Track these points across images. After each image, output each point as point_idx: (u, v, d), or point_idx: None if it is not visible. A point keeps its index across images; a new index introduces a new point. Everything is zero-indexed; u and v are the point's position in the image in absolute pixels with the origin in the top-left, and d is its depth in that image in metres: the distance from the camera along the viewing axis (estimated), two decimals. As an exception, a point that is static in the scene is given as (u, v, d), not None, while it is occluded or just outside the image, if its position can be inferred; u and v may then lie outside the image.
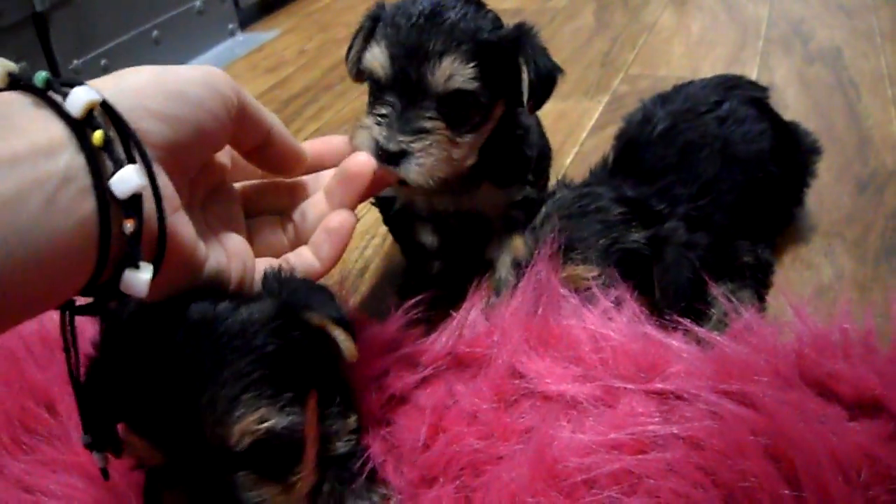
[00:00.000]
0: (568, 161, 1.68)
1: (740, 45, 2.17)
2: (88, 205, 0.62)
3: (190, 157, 0.74)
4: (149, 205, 0.65)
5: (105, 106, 0.64)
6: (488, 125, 1.08)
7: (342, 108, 2.10)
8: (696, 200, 1.17)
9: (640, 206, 1.14)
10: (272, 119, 0.86)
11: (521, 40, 1.04)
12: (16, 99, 0.63)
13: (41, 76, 0.63)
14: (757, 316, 1.00)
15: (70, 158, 0.61)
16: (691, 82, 1.41)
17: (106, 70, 2.23)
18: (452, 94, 1.00)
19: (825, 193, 1.46)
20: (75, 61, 2.20)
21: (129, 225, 0.64)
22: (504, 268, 1.26)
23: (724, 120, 1.27)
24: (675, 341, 0.98)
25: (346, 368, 0.92)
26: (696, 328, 0.99)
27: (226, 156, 0.89)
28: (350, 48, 1.10)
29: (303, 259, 0.90)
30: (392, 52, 1.00)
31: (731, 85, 1.36)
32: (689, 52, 2.17)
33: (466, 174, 1.08)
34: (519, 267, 1.15)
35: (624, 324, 1.02)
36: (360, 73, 1.09)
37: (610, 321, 1.03)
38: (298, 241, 0.93)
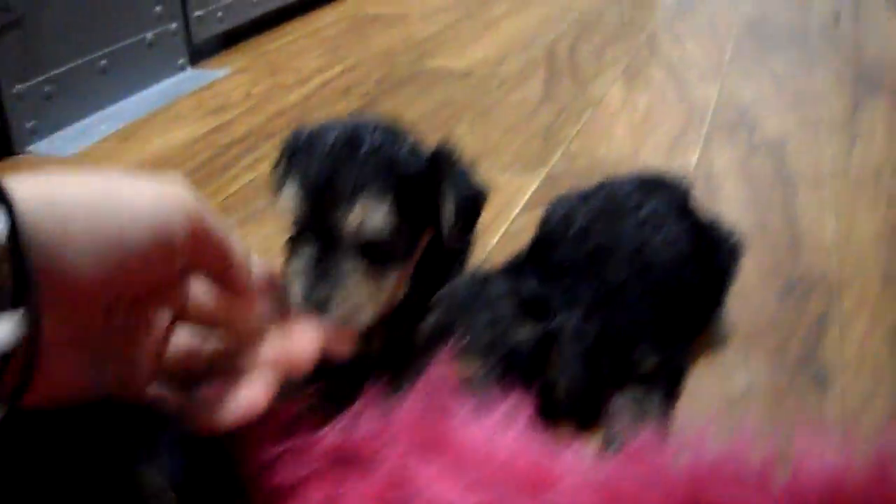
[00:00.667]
0: (495, 240, 1.63)
1: (683, 129, 2.14)
2: None
3: (83, 293, 0.62)
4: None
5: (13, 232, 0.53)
6: (415, 256, 1.02)
7: (279, 161, 2.03)
8: (599, 304, 1.13)
9: (535, 303, 1.09)
10: (235, 252, 0.76)
11: (440, 168, 1.00)
12: None
13: None
14: (653, 435, 0.94)
15: None
16: (614, 180, 1.37)
17: (49, 97, 2.23)
18: (371, 238, 0.94)
19: (750, 295, 1.42)
20: (18, 86, 2.12)
21: None
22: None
23: (643, 223, 1.23)
24: (567, 456, 0.92)
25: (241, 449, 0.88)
26: (587, 447, 0.93)
27: None
28: (276, 166, 1.05)
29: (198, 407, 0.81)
30: (304, 192, 0.94)
31: (653, 185, 1.33)
32: (631, 132, 2.13)
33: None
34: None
35: (519, 432, 0.97)
36: None
37: (505, 429, 0.98)
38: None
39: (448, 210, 0.99)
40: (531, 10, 3.28)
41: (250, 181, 1.92)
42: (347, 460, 0.98)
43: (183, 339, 0.83)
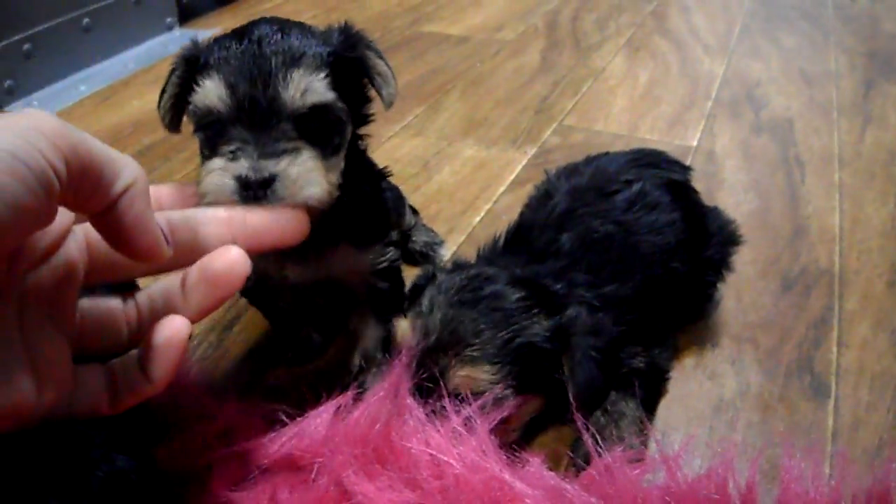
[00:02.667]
0: (477, 219, 1.52)
1: (687, 105, 2.03)
2: None
3: None
4: None
5: None
6: (344, 150, 0.94)
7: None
8: (598, 288, 1.04)
9: (538, 289, 1.00)
10: (124, 179, 0.62)
11: (359, 40, 0.95)
12: None
13: None
14: (620, 456, 0.84)
15: None
16: (606, 154, 1.26)
17: (28, 56, 2.11)
18: (311, 111, 0.87)
19: (746, 289, 1.31)
20: (-6, 44, 2.02)
21: None
22: (372, 342, 1.14)
23: (632, 204, 1.12)
24: (520, 481, 0.82)
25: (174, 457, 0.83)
26: (545, 472, 0.83)
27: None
28: (162, 94, 0.95)
29: (130, 376, 0.70)
30: (230, 80, 0.86)
31: (647, 163, 1.21)
32: (631, 107, 2.02)
33: (318, 230, 0.88)
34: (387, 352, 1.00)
35: (471, 450, 0.87)
36: (176, 121, 0.95)
37: (456, 446, 0.88)
38: (140, 331, 0.73)
39: (380, 72, 0.95)
40: (536, -24, 3.14)
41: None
42: (290, 468, 0.90)
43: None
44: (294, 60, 0.87)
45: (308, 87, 0.86)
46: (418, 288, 1.04)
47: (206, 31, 2.57)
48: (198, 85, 0.88)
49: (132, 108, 2.05)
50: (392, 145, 1.83)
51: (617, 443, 0.94)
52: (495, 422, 0.88)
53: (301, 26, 0.93)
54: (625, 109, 2.00)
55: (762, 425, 1.07)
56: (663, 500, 0.79)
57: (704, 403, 1.10)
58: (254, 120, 0.85)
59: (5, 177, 0.51)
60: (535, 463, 0.84)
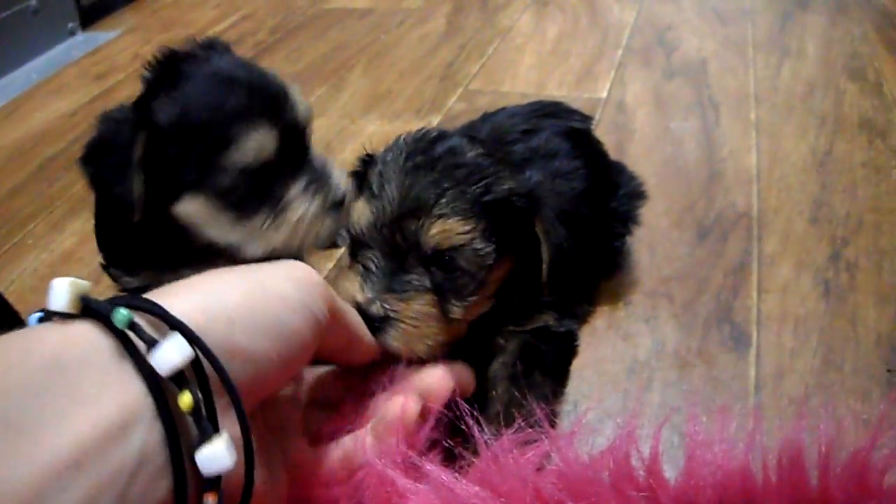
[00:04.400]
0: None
1: (596, 56, 1.95)
2: (164, 486, 0.50)
3: (269, 391, 0.64)
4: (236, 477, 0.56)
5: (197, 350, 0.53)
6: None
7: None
8: None
9: (497, 148, 0.94)
10: (356, 324, 0.77)
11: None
12: (94, 347, 0.50)
13: (121, 314, 0.51)
14: (510, 441, 0.76)
15: (146, 432, 0.49)
16: (503, 109, 1.18)
17: None
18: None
19: (659, 243, 1.24)
20: None
21: (210, 501, 0.53)
22: None
23: (533, 153, 1.04)
24: (405, 477, 0.74)
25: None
26: (434, 468, 0.74)
27: None
28: None
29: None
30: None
31: (546, 113, 1.14)
32: (539, 64, 1.94)
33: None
34: None
35: (375, 439, 0.79)
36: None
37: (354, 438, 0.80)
38: None
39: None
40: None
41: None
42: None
43: None
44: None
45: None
46: (359, 174, 0.94)
47: (108, 32, 2.49)
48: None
49: (35, 120, 1.95)
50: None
51: (521, 421, 0.86)
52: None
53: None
54: (532, 67, 1.92)
55: (679, 384, 1.00)
56: (554, 485, 0.71)
57: (619, 366, 1.03)
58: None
59: (299, 320, 0.62)
60: (426, 459, 0.76)
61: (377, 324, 0.82)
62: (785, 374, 1.00)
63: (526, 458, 0.74)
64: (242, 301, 0.59)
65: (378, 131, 1.67)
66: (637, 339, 1.07)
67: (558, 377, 0.98)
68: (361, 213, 0.87)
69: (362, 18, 2.34)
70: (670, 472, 0.75)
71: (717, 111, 1.63)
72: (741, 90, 1.72)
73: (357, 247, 0.89)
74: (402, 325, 0.83)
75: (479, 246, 0.84)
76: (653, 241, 1.23)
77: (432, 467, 0.75)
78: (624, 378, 1.01)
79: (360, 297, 0.83)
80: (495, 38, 2.11)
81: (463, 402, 0.79)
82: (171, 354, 0.51)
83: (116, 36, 2.46)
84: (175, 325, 0.52)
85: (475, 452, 0.81)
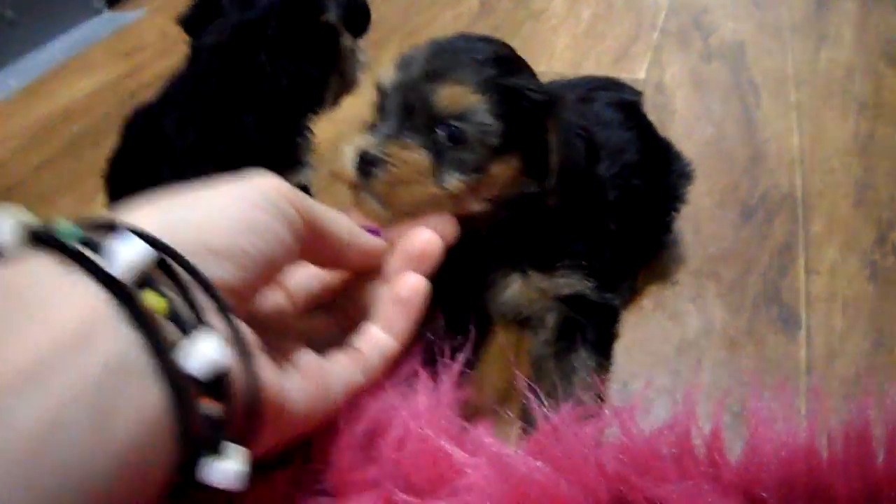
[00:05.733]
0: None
1: (632, 38, 1.93)
2: (151, 395, 0.46)
3: (254, 291, 0.60)
4: (237, 380, 0.51)
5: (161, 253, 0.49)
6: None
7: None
8: None
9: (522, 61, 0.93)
10: (343, 228, 0.70)
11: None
12: (44, 267, 0.46)
13: (67, 228, 0.47)
14: (570, 414, 0.75)
15: (111, 338, 0.45)
16: (552, 82, 1.17)
17: None
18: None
19: (704, 222, 1.22)
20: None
21: (212, 407, 0.49)
22: None
23: (587, 121, 1.02)
24: (460, 449, 0.73)
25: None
26: (489, 439, 0.73)
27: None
28: None
29: (374, 342, 0.74)
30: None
31: (597, 85, 1.13)
32: (574, 44, 1.92)
33: None
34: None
35: (414, 412, 0.78)
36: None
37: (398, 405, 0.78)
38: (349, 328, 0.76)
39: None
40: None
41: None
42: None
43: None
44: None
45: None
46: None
47: (135, 11, 2.48)
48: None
49: (61, 97, 1.94)
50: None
51: (569, 400, 0.85)
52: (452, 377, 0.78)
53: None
54: (567, 47, 1.91)
55: (730, 364, 0.99)
56: (618, 459, 0.70)
57: (667, 346, 1.02)
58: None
59: (269, 217, 0.59)
60: (478, 429, 0.75)
61: (371, 167, 0.83)
62: (836, 356, 0.99)
63: (586, 432, 0.73)
64: (207, 205, 0.57)
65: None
66: (685, 319, 1.06)
67: (602, 350, 0.96)
68: (387, 76, 0.88)
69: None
70: (728, 451, 0.74)
71: (757, 93, 1.62)
72: (780, 73, 1.70)
73: (379, 110, 0.90)
74: (391, 168, 0.83)
75: (484, 120, 0.84)
76: (697, 220, 1.21)
77: (489, 438, 0.74)
78: (673, 358, 1.00)
79: (363, 143, 0.84)
80: (528, 18, 2.10)
81: (520, 374, 0.79)
82: (127, 255, 0.47)
83: (143, 15, 2.45)
84: (131, 229, 0.49)
85: (532, 424, 0.81)
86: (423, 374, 0.79)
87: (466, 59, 0.86)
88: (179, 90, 1.11)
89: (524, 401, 0.81)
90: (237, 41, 1.06)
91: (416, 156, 0.84)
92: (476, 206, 0.89)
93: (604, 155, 0.99)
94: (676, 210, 1.13)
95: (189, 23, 1.11)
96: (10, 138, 1.70)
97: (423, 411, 0.77)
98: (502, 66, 0.86)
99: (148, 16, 2.44)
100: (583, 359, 0.93)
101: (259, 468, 0.61)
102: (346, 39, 1.12)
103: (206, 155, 1.07)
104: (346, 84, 1.14)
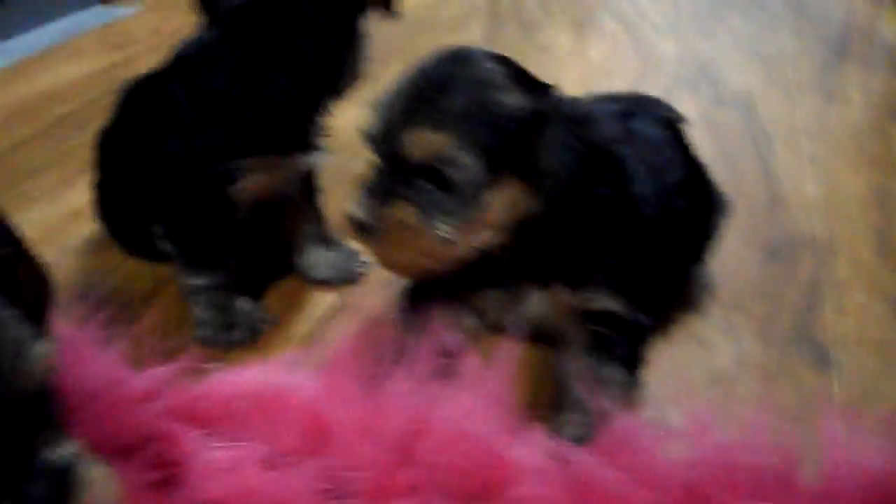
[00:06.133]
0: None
1: (640, 79, 1.92)
2: None
3: None
4: None
5: None
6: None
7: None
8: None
9: (523, 73, 0.89)
10: None
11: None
12: None
13: None
14: (634, 423, 0.71)
15: None
16: (594, 98, 1.14)
17: None
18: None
19: (729, 258, 1.20)
20: None
21: None
22: None
23: (628, 135, 1.00)
24: (522, 451, 0.68)
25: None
26: (552, 441, 0.69)
27: None
28: None
29: None
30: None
31: (641, 102, 1.10)
32: (583, 79, 1.91)
33: None
34: None
35: (460, 410, 0.73)
36: None
37: (438, 402, 0.74)
38: None
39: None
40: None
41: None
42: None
43: None
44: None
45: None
46: None
47: (128, 7, 2.45)
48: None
49: (44, 80, 1.90)
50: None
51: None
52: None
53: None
54: (577, 81, 1.88)
55: (765, 396, 0.95)
56: (689, 475, 0.66)
57: (700, 374, 0.99)
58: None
59: None
60: (533, 429, 0.71)
61: (366, 232, 0.86)
62: (871, 396, 0.96)
63: (656, 443, 0.70)
64: None
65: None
66: (717, 349, 1.03)
67: (630, 367, 0.93)
68: (368, 123, 0.88)
69: (396, 21, 2.30)
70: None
71: (770, 141, 1.61)
72: (791, 125, 1.69)
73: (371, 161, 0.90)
74: (382, 234, 0.84)
75: (459, 158, 0.82)
76: (722, 255, 1.19)
77: (551, 441, 0.70)
78: (706, 386, 0.97)
79: (353, 208, 0.86)
80: (534, 51, 2.08)
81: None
82: None
83: (137, 11, 2.43)
84: None
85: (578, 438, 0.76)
86: (470, 369, 0.76)
87: (434, 96, 0.83)
88: (195, 55, 1.05)
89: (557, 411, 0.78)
90: (264, 3, 1.02)
91: (402, 215, 0.83)
92: (483, 238, 0.87)
93: (643, 171, 0.97)
94: (711, 240, 1.11)
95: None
96: (-11, 114, 1.66)
97: (471, 409, 0.73)
98: (481, 91, 0.83)
99: (143, 12, 2.41)
100: (612, 373, 0.89)
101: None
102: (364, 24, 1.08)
103: (217, 123, 1.02)
104: (353, 73, 1.10)
